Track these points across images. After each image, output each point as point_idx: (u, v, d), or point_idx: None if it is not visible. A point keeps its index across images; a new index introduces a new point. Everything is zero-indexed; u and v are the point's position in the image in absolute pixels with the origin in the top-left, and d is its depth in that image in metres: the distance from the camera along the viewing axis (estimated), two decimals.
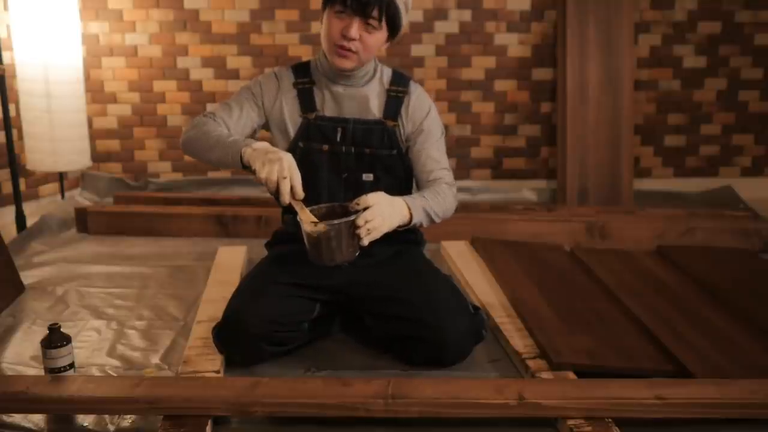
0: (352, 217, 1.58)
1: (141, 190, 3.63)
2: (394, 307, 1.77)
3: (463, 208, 3.31)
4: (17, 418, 1.52)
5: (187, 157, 3.73)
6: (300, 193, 1.59)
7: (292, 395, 1.49)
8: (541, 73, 3.76)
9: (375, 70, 1.88)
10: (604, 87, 3.59)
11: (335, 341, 1.92)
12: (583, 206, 3.48)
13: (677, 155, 3.89)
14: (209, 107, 1.82)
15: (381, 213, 1.62)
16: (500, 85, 3.76)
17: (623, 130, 3.61)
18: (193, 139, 1.76)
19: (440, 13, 3.67)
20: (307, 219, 1.60)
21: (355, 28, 1.71)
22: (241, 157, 1.62)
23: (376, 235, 1.61)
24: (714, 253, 2.67)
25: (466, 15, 3.67)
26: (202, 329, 1.91)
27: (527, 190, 3.79)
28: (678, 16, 3.73)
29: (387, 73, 1.91)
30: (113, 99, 3.64)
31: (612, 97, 3.59)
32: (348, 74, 1.82)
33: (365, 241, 1.60)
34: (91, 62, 3.57)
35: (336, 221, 1.57)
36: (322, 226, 1.56)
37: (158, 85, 3.64)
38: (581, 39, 3.56)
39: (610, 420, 1.46)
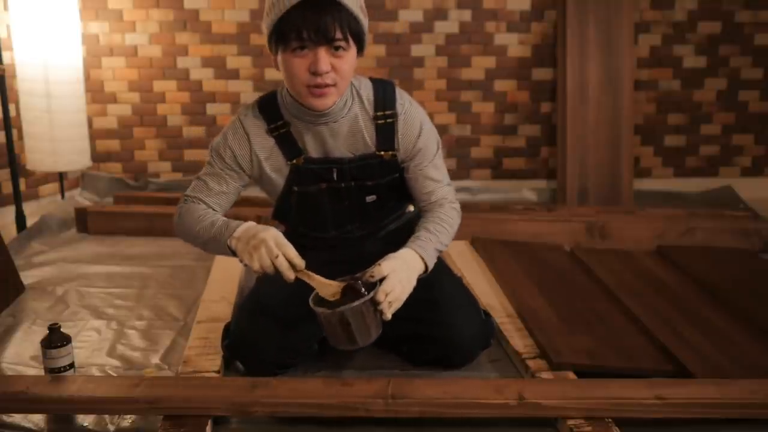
0: (371, 294, 1.44)
1: (141, 190, 3.63)
2: (408, 307, 1.75)
3: (463, 208, 3.27)
4: (17, 418, 1.52)
5: (187, 157, 3.73)
6: (300, 263, 1.50)
7: (292, 395, 1.49)
8: (541, 73, 3.76)
9: (353, 93, 1.67)
10: (604, 87, 3.59)
11: None
12: (583, 206, 3.47)
13: (677, 155, 3.89)
14: (189, 187, 1.75)
15: (399, 280, 1.50)
16: (500, 85, 3.76)
17: (623, 130, 3.61)
18: (183, 234, 1.71)
19: (440, 13, 3.66)
20: (324, 290, 1.48)
21: (324, 60, 1.50)
22: (231, 250, 1.55)
23: (398, 305, 1.50)
24: (714, 253, 2.67)
25: (466, 15, 3.67)
26: (202, 329, 1.91)
27: (527, 190, 3.79)
28: (678, 16, 3.73)
29: (366, 90, 1.68)
30: (113, 99, 3.64)
31: (612, 97, 3.59)
32: (330, 111, 1.62)
33: (388, 315, 1.49)
34: (91, 62, 3.57)
35: (355, 303, 1.42)
36: (338, 311, 1.42)
37: (158, 85, 3.64)
38: (581, 39, 3.56)
39: (610, 420, 1.46)
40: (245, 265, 1.55)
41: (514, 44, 3.71)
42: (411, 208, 1.95)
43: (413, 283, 1.56)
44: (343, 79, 1.56)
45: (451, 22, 3.68)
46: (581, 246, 2.81)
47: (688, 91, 3.82)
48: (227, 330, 1.78)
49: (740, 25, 3.75)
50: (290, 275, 1.49)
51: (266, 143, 1.68)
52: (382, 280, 1.50)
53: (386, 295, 1.47)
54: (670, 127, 3.86)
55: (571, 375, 1.67)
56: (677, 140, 3.87)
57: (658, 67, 3.78)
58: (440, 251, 1.70)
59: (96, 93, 3.62)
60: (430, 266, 1.64)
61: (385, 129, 1.69)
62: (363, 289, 1.47)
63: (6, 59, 3.10)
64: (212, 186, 1.70)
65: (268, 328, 1.67)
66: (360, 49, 1.59)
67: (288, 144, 1.68)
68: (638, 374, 1.66)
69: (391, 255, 1.57)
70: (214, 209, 1.69)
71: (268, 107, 1.69)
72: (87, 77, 3.54)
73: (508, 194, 3.75)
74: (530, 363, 1.74)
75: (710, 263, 2.52)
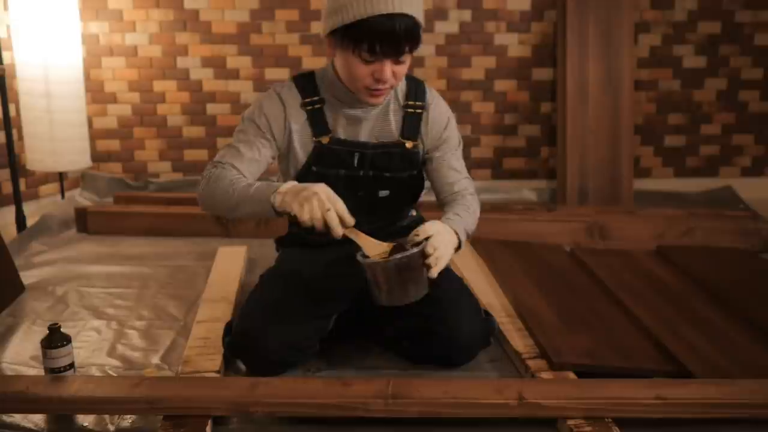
0: (421, 247, 1.46)
1: (141, 190, 3.63)
2: (410, 305, 1.77)
3: None
4: (17, 418, 1.52)
5: (187, 157, 3.73)
6: (350, 219, 1.48)
7: (292, 395, 1.49)
8: (541, 73, 3.76)
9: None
10: (604, 87, 3.59)
11: (336, 341, 1.92)
12: (583, 206, 3.48)
13: (677, 155, 3.89)
14: (218, 154, 1.71)
15: (443, 242, 1.53)
16: (500, 85, 3.76)
17: (623, 130, 3.61)
18: (210, 198, 1.63)
19: (440, 13, 3.66)
20: (372, 250, 1.48)
21: (389, 71, 1.56)
22: (273, 205, 1.51)
23: (442, 265, 1.52)
24: (714, 253, 2.67)
25: (466, 15, 3.67)
26: (202, 329, 1.91)
27: (527, 190, 3.79)
28: (678, 16, 3.73)
29: (401, 83, 1.74)
30: (113, 99, 3.64)
31: (612, 97, 3.59)
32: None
33: (434, 273, 1.50)
34: (91, 62, 3.57)
35: (407, 252, 1.43)
36: (394, 260, 1.42)
37: (158, 85, 3.64)
38: (581, 39, 3.56)
39: (610, 420, 1.46)
40: (291, 217, 1.48)
41: (514, 44, 3.71)
42: (414, 212, 1.95)
43: (451, 250, 1.57)
44: (398, 80, 1.62)
45: (451, 22, 3.68)
46: (581, 246, 2.81)
47: (688, 91, 3.82)
48: (229, 328, 1.78)
49: (740, 25, 3.75)
50: (339, 231, 1.47)
51: (299, 116, 1.71)
52: (426, 240, 1.51)
53: (434, 250, 1.49)
54: (670, 127, 3.86)
55: (571, 375, 1.67)
56: (677, 140, 3.88)
57: (658, 67, 3.78)
58: (468, 235, 1.71)
59: (96, 93, 3.62)
60: (462, 244, 1.65)
61: (413, 118, 1.76)
62: (409, 247, 1.48)
63: (6, 59, 3.10)
64: (244, 152, 1.67)
65: (272, 326, 1.67)
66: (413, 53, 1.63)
67: (318, 121, 1.71)
68: (638, 374, 1.66)
69: (431, 221, 1.58)
70: (244, 176, 1.66)
71: (305, 83, 1.73)
72: (87, 77, 3.54)
73: (508, 194, 3.75)
74: (530, 363, 1.74)
75: (710, 263, 2.52)
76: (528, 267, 2.44)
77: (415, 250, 1.45)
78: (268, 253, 2.66)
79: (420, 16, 1.55)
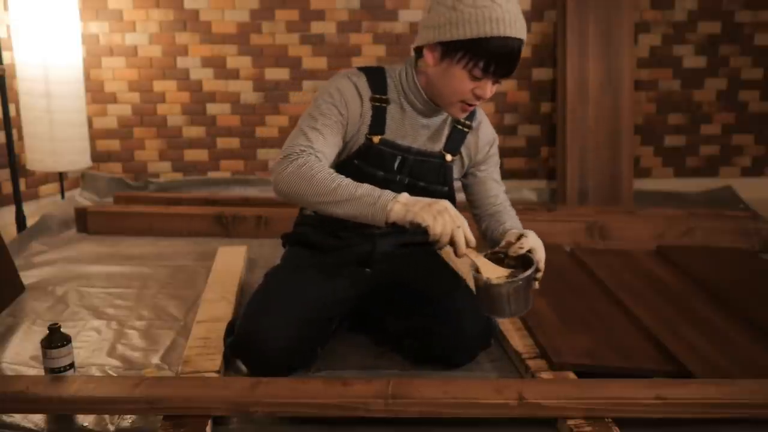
0: (533, 269, 1.52)
1: (141, 190, 3.63)
2: (410, 303, 1.78)
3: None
4: (17, 418, 1.52)
5: (187, 157, 3.73)
6: (472, 240, 1.49)
7: (292, 395, 1.49)
8: (541, 73, 3.76)
9: None
10: (604, 87, 3.59)
11: (336, 340, 1.92)
12: (583, 206, 3.48)
13: (677, 155, 3.89)
14: (298, 137, 1.61)
15: (543, 253, 1.59)
16: (500, 85, 3.75)
17: (623, 130, 3.61)
18: (298, 185, 1.54)
19: None
20: (489, 272, 1.52)
21: (490, 89, 1.61)
22: (387, 213, 1.48)
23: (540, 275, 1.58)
24: (714, 253, 2.67)
25: None
26: (202, 329, 1.91)
27: (527, 190, 3.79)
28: (678, 16, 3.73)
29: None
30: (113, 99, 3.64)
31: (612, 97, 3.59)
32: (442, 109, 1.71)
33: (537, 285, 1.58)
34: (91, 62, 3.57)
35: (522, 275, 1.49)
36: (511, 282, 1.48)
37: (158, 85, 3.64)
38: (581, 39, 3.56)
39: (610, 420, 1.46)
40: (422, 228, 1.47)
41: None
42: None
43: None
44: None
45: None
46: (581, 246, 2.81)
47: (688, 91, 3.82)
48: (231, 328, 1.78)
49: (740, 25, 3.75)
50: (464, 249, 1.48)
51: (368, 109, 1.71)
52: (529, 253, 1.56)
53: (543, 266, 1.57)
54: (670, 127, 3.86)
55: (571, 375, 1.67)
56: (677, 140, 3.88)
57: (658, 67, 3.78)
58: None
59: (96, 93, 3.62)
60: None
61: (459, 134, 1.79)
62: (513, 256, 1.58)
63: (6, 59, 3.10)
64: (328, 138, 1.64)
65: (275, 330, 1.66)
66: None
67: (379, 119, 1.71)
68: (638, 374, 1.66)
69: (528, 231, 1.62)
70: (328, 163, 1.63)
71: (377, 79, 1.72)
72: (87, 77, 3.54)
73: (508, 194, 3.73)
74: (530, 363, 1.74)
75: (710, 263, 2.52)
76: None
77: (530, 272, 1.51)
78: (268, 253, 2.67)
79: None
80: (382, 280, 1.85)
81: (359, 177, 1.60)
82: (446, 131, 1.78)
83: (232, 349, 1.73)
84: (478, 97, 1.62)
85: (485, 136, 1.83)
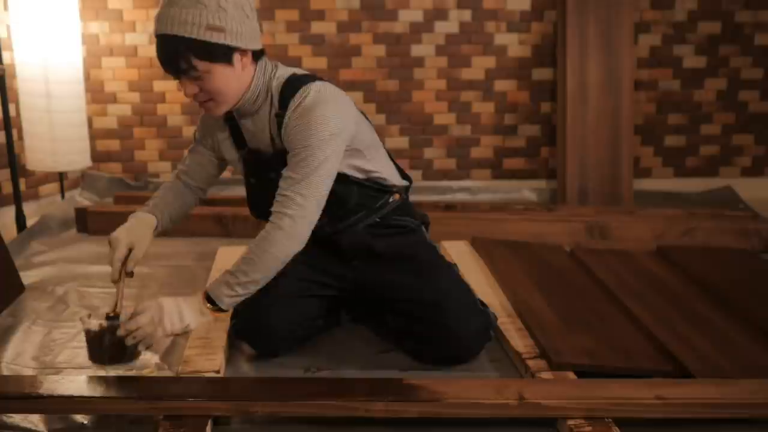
0: (117, 322, 1.67)
1: (141, 190, 3.62)
2: (412, 306, 1.79)
3: (463, 208, 3.33)
4: (17, 418, 1.52)
5: None
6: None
7: (292, 395, 1.49)
8: (541, 73, 3.76)
9: (267, 91, 1.72)
10: (604, 87, 3.59)
11: (336, 340, 1.93)
12: (583, 206, 3.48)
13: (677, 155, 3.89)
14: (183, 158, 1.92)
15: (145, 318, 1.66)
16: (500, 85, 3.76)
17: (623, 130, 3.61)
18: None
19: (440, 13, 3.66)
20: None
21: (188, 87, 1.63)
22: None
23: (147, 340, 1.65)
24: (714, 253, 2.67)
25: (466, 15, 3.67)
26: (202, 329, 1.91)
27: (527, 190, 3.79)
28: (678, 16, 3.73)
29: (278, 87, 1.72)
30: (113, 99, 3.64)
31: (612, 97, 3.59)
32: (241, 110, 1.74)
33: (139, 346, 1.66)
34: (91, 62, 3.57)
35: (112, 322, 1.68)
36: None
37: (158, 85, 3.64)
38: (581, 39, 3.56)
39: (610, 420, 1.46)
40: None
41: (514, 44, 3.71)
42: (396, 197, 1.92)
43: (176, 320, 1.68)
44: (220, 93, 1.65)
45: (451, 22, 3.68)
46: (581, 246, 2.81)
47: (688, 91, 3.82)
48: (235, 313, 1.83)
49: (740, 25, 3.75)
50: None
51: (224, 130, 1.88)
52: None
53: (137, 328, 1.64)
54: (670, 127, 3.86)
55: (571, 375, 1.67)
56: (677, 140, 3.88)
57: (658, 67, 3.78)
58: (243, 285, 1.67)
59: (96, 93, 3.62)
60: (225, 302, 1.68)
61: (279, 123, 1.79)
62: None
63: (6, 59, 3.10)
64: (188, 160, 1.96)
65: (275, 306, 1.76)
66: (229, 59, 1.61)
67: (237, 135, 1.85)
68: (638, 374, 1.66)
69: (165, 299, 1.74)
70: None
71: None
72: (87, 77, 3.54)
73: (508, 194, 3.75)
74: (530, 363, 1.74)
75: (710, 263, 2.52)
76: (528, 267, 2.44)
77: (115, 322, 1.69)
78: None
79: (188, 33, 1.54)
80: (376, 276, 1.85)
81: (261, 186, 1.82)
82: (273, 126, 1.78)
83: (237, 330, 1.83)
84: (189, 97, 1.66)
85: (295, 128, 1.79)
